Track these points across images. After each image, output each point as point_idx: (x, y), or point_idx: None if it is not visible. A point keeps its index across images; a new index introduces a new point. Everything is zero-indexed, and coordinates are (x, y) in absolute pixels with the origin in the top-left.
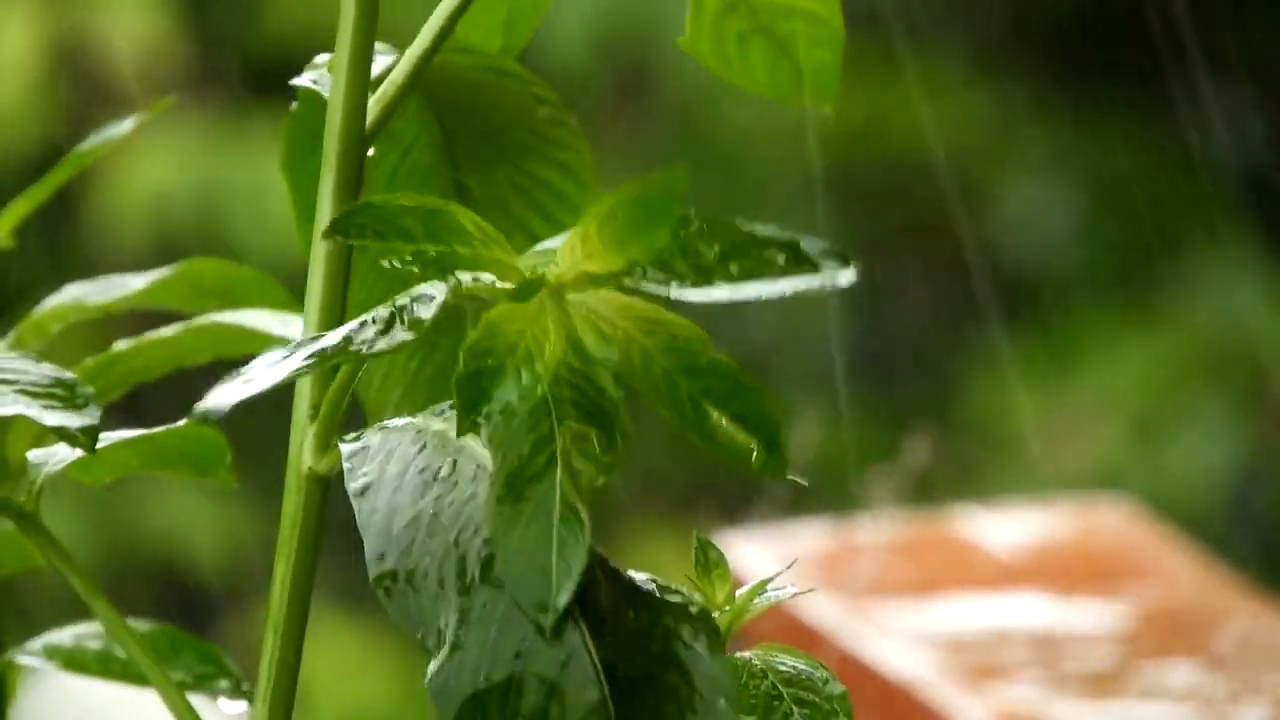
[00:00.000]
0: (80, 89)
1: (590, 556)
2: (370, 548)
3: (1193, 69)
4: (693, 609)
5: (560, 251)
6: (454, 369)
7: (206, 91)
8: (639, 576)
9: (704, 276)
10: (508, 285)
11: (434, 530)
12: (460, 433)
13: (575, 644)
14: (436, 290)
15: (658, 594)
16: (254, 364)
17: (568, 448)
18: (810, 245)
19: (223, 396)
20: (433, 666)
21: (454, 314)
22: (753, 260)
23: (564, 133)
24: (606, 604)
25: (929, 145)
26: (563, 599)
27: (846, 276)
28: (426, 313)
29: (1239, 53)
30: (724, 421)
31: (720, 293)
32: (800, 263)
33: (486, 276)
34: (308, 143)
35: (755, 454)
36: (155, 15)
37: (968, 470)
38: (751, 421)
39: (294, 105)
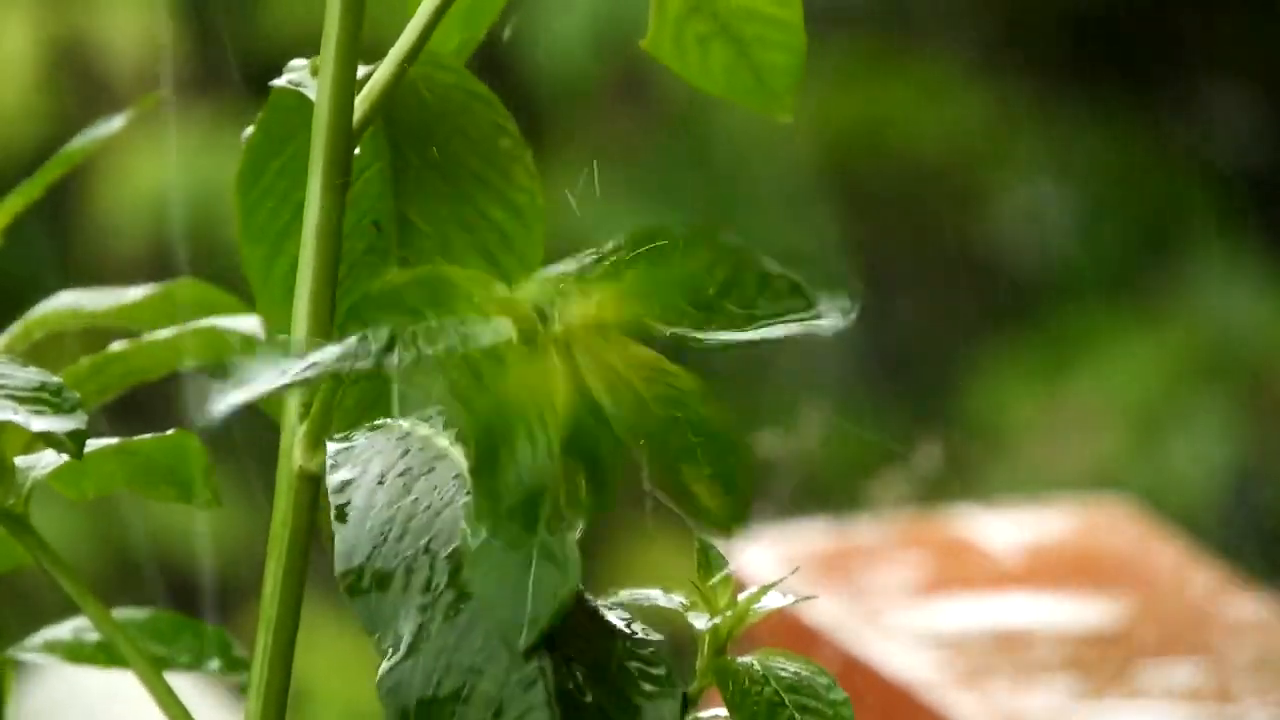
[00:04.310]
0: (80, 89)
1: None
2: (341, 544)
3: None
4: (650, 649)
5: (568, 299)
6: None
7: (206, 91)
8: (603, 605)
9: (705, 314)
10: (513, 338)
11: (406, 532)
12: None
13: (533, 665)
14: (442, 326)
15: (618, 626)
16: (252, 367)
17: (558, 487)
18: (812, 284)
19: (224, 402)
20: (385, 667)
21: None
22: (754, 299)
23: (520, 170)
24: (567, 629)
25: (929, 146)
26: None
27: (841, 321)
28: (429, 349)
29: (1238, 52)
30: (700, 480)
31: (718, 337)
32: (801, 305)
33: (495, 329)
34: (264, 163)
35: (717, 514)
36: (155, 15)
37: (968, 470)
38: (727, 484)
39: (260, 113)
